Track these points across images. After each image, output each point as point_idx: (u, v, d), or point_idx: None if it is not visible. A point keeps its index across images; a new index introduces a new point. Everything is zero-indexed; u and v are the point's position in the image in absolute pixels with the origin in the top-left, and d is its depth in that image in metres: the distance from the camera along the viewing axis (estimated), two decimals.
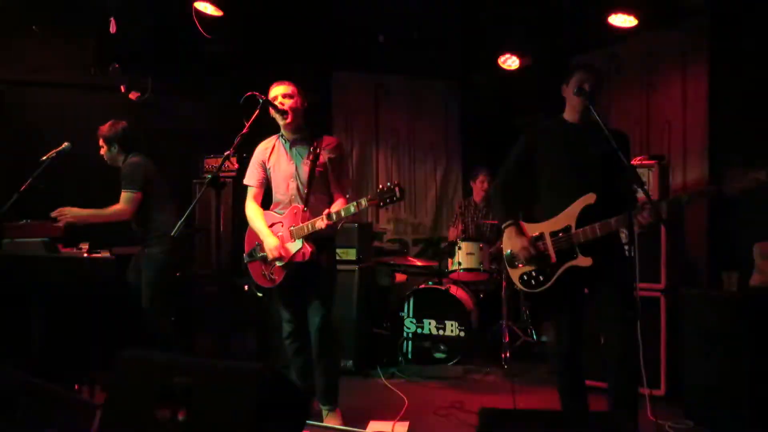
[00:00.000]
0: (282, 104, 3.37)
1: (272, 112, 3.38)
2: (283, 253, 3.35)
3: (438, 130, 6.97)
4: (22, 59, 5.45)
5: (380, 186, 3.07)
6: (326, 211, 3.20)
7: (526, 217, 3.11)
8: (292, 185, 3.44)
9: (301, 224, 3.32)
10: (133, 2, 4.97)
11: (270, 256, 3.37)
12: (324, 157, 3.43)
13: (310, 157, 3.40)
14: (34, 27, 5.32)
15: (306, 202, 3.38)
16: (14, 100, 5.48)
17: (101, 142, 4.18)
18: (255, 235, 3.50)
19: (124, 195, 4.01)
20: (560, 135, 3.04)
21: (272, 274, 3.44)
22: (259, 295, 3.64)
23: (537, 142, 3.09)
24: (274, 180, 3.52)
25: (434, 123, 6.94)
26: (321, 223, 3.20)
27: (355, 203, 3.13)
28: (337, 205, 3.35)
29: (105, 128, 4.16)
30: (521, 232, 3.04)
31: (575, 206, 2.90)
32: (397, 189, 3.02)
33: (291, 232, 3.36)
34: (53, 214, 3.96)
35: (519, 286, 3.07)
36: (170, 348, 4.15)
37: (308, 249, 3.31)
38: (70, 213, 3.96)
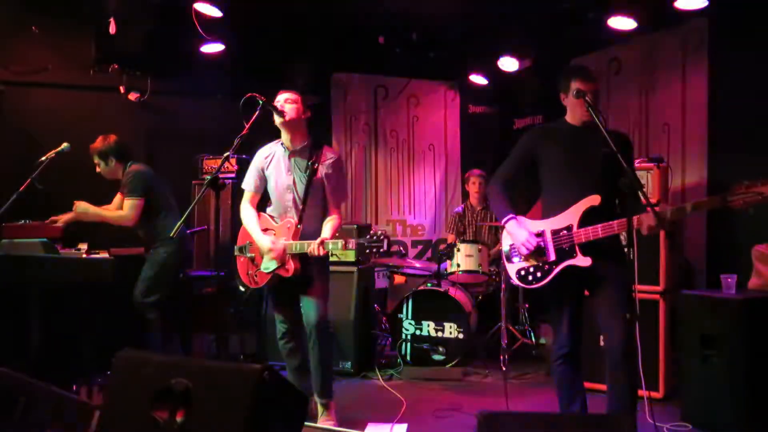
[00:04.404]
0: (282, 106, 3.39)
1: (273, 113, 3.39)
2: (275, 253, 3.35)
3: (437, 131, 6.96)
4: (22, 59, 5.45)
5: (371, 233, 3.16)
6: (320, 239, 3.25)
7: (527, 216, 3.12)
8: (289, 196, 3.47)
9: (291, 241, 3.35)
10: (132, 3, 4.96)
11: (265, 250, 3.39)
12: (322, 171, 3.45)
13: (308, 170, 3.43)
14: (33, 27, 5.32)
15: (300, 216, 3.41)
16: (14, 101, 5.48)
17: (96, 159, 4.16)
18: (248, 234, 3.54)
19: (127, 202, 4.04)
20: (562, 137, 3.05)
21: (256, 276, 3.49)
22: (242, 289, 3.67)
23: (539, 143, 3.10)
24: (271, 189, 3.55)
25: (434, 124, 6.95)
26: (313, 249, 3.23)
27: (343, 242, 3.19)
28: (330, 229, 3.39)
29: (97, 144, 4.15)
30: (522, 225, 3.04)
31: (579, 206, 2.91)
32: (384, 241, 3.11)
33: None
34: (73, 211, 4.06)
35: (515, 280, 3.07)
36: (164, 346, 4.15)
37: (292, 266, 3.33)
38: (82, 207, 4.05)
